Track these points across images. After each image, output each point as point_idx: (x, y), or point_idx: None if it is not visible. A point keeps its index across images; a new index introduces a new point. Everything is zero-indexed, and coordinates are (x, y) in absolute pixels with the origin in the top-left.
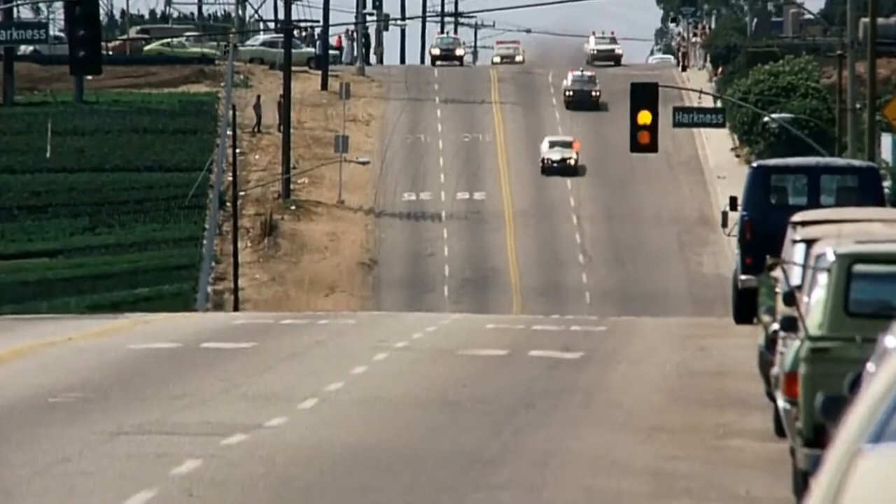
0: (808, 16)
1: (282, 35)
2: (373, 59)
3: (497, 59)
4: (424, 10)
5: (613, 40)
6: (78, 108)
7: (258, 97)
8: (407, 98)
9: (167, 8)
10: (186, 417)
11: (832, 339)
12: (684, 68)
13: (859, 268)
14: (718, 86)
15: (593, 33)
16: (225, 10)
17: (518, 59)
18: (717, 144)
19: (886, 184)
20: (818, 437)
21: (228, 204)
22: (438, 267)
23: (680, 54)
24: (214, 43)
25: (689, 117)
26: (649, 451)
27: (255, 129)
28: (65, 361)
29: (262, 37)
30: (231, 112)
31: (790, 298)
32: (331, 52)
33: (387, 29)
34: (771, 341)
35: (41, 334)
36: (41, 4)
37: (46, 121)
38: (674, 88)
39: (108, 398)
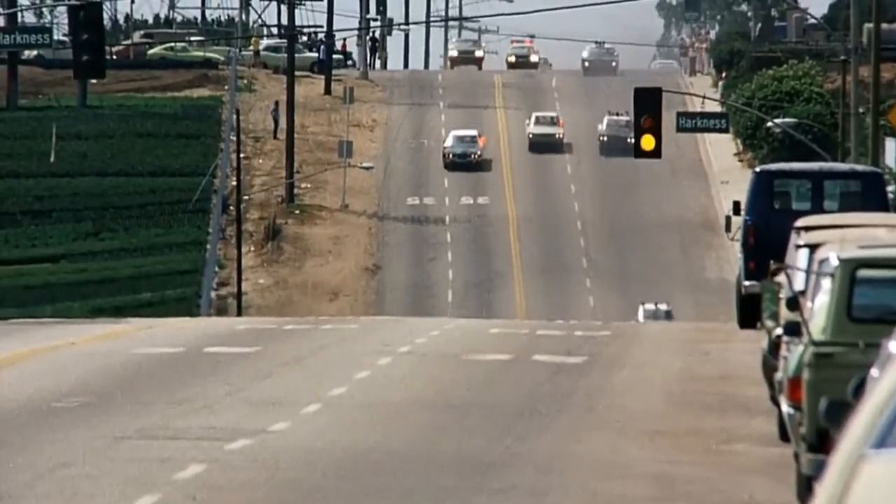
0: (811, 21)
1: (285, 40)
2: (377, 63)
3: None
4: (428, 15)
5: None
6: (81, 112)
7: (276, 102)
8: (411, 103)
9: (171, 12)
10: (190, 422)
11: (836, 344)
12: (692, 73)
13: (863, 273)
14: (722, 91)
15: (595, 43)
16: (228, 15)
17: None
18: (720, 149)
19: (890, 189)
20: (822, 442)
21: (232, 208)
22: (442, 271)
23: (688, 59)
24: (225, 48)
25: (692, 122)
26: (652, 456)
27: (275, 135)
28: (68, 366)
29: (265, 41)
30: (235, 116)
31: (794, 303)
32: (337, 56)
33: (390, 34)
34: (774, 346)
35: (44, 338)
36: (44, 9)
37: (50, 125)
38: (677, 93)
39: (112, 402)
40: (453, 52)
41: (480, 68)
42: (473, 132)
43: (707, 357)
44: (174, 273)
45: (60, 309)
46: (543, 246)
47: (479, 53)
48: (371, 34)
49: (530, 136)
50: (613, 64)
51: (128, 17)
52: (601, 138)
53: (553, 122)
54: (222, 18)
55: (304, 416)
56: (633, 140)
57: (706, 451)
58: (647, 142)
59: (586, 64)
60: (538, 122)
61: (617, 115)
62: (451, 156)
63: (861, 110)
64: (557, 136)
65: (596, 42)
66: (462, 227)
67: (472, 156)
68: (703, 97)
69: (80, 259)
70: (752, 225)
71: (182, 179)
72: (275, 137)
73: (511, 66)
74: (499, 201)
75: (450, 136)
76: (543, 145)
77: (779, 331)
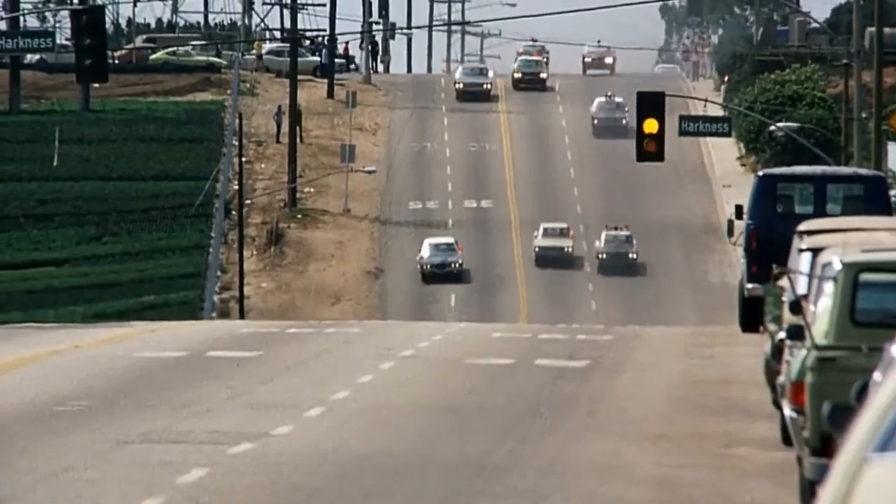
0: (813, 25)
1: (288, 44)
2: (379, 67)
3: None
4: (431, 19)
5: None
6: (84, 116)
7: (279, 107)
8: (413, 107)
9: (173, 17)
10: (192, 425)
11: (838, 348)
12: (695, 77)
13: (865, 277)
14: (724, 94)
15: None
16: (231, 19)
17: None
18: (723, 153)
19: (893, 193)
20: (825, 446)
21: (234, 213)
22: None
23: (690, 63)
24: (228, 52)
25: (695, 126)
26: (654, 459)
27: (277, 139)
28: (71, 369)
29: (268, 45)
30: (237, 120)
31: (796, 307)
32: (339, 60)
33: (393, 38)
34: (777, 350)
35: (47, 342)
36: (46, 13)
37: (53, 129)
38: (680, 97)
39: (115, 406)
40: (459, 85)
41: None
42: (450, 239)
43: (709, 361)
44: (177, 277)
45: (63, 313)
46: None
47: (486, 86)
48: (372, 38)
49: (536, 249)
50: (624, 122)
51: (130, 22)
52: (599, 256)
53: (562, 233)
54: (225, 22)
55: (307, 420)
56: (635, 256)
57: (708, 454)
58: (650, 145)
59: (595, 122)
60: (546, 233)
61: (616, 228)
62: (429, 266)
63: (864, 114)
64: (566, 249)
65: (606, 95)
66: (465, 231)
67: (453, 265)
68: (706, 101)
69: (84, 263)
70: (755, 229)
71: (185, 184)
72: (277, 141)
73: (517, 82)
74: (502, 205)
75: (425, 245)
76: (551, 259)
77: (781, 334)
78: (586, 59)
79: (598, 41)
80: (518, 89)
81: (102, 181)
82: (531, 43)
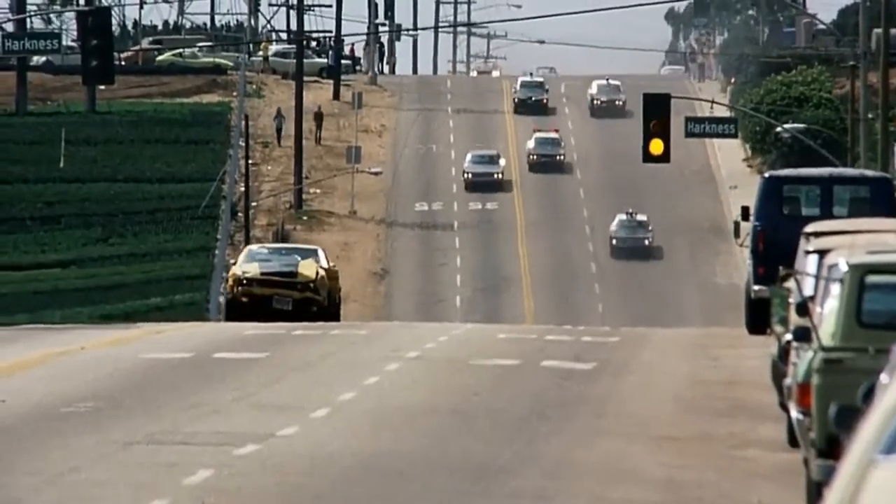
0: (820, 26)
1: (294, 45)
2: (385, 68)
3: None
4: (437, 21)
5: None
6: (90, 117)
7: (279, 109)
8: (419, 108)
9: (180, 18)
10: (199, 427)
11: (845, 349)
12: (702, 79)
13: (872, 278)
14: (731, 96)
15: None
16: (237, 21)
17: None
18: (729, 154)
19: None
20: (831, 448)
21: (240, 214)
22: (450, 277)
23: (696, 65)
24: (234, 54)
25: (701, 127)
26: (661, 461)
27: (278, 142)
28: (77, 371)
29: (274, 47)
30: (244, 122)
31: (803, 309)
32: (345, 61)
33: (399, 39)
34: (784, 352)
35: (54, 344)
36: (52, 15)
37: (59, 131)
38: (686, 99)
39: (121, 408)
40: (467, 175)
41: (500, 189)
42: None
43: (716, 362)
44: (183, 278)
45: (69, 314)
46: (552, 251)
47: (497, 175)
48: (378, 39)
49: None
50: (647, 242)
51: (136, 23)
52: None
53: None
54: (231, 24)
55: (313, 421)
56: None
57: (715, 456)
58: (656, 146)
59: (613, 241)
60: None
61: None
62: None
63: (870, 115)
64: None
65: (627, 213)
66: (471, 233)
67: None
68: (712, 102)
69: (90, 264)
70: (762, 230)
71: (191, 185)
72: (279, 145)
73: (533, 164)
74: (507, 206)
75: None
76: None
77: (788, 336)
78: (595, 102)
79: (607, 79)
80: (533, 171)
81: (109, 183)
82: (530, 78)
